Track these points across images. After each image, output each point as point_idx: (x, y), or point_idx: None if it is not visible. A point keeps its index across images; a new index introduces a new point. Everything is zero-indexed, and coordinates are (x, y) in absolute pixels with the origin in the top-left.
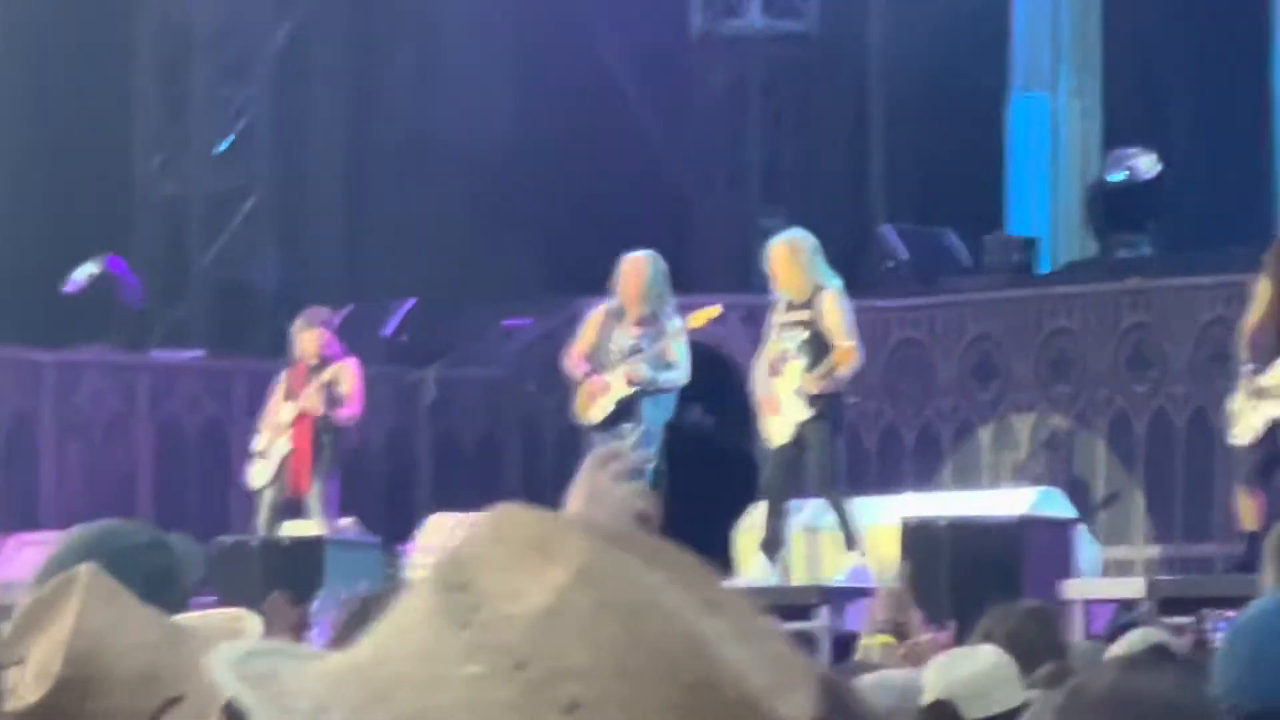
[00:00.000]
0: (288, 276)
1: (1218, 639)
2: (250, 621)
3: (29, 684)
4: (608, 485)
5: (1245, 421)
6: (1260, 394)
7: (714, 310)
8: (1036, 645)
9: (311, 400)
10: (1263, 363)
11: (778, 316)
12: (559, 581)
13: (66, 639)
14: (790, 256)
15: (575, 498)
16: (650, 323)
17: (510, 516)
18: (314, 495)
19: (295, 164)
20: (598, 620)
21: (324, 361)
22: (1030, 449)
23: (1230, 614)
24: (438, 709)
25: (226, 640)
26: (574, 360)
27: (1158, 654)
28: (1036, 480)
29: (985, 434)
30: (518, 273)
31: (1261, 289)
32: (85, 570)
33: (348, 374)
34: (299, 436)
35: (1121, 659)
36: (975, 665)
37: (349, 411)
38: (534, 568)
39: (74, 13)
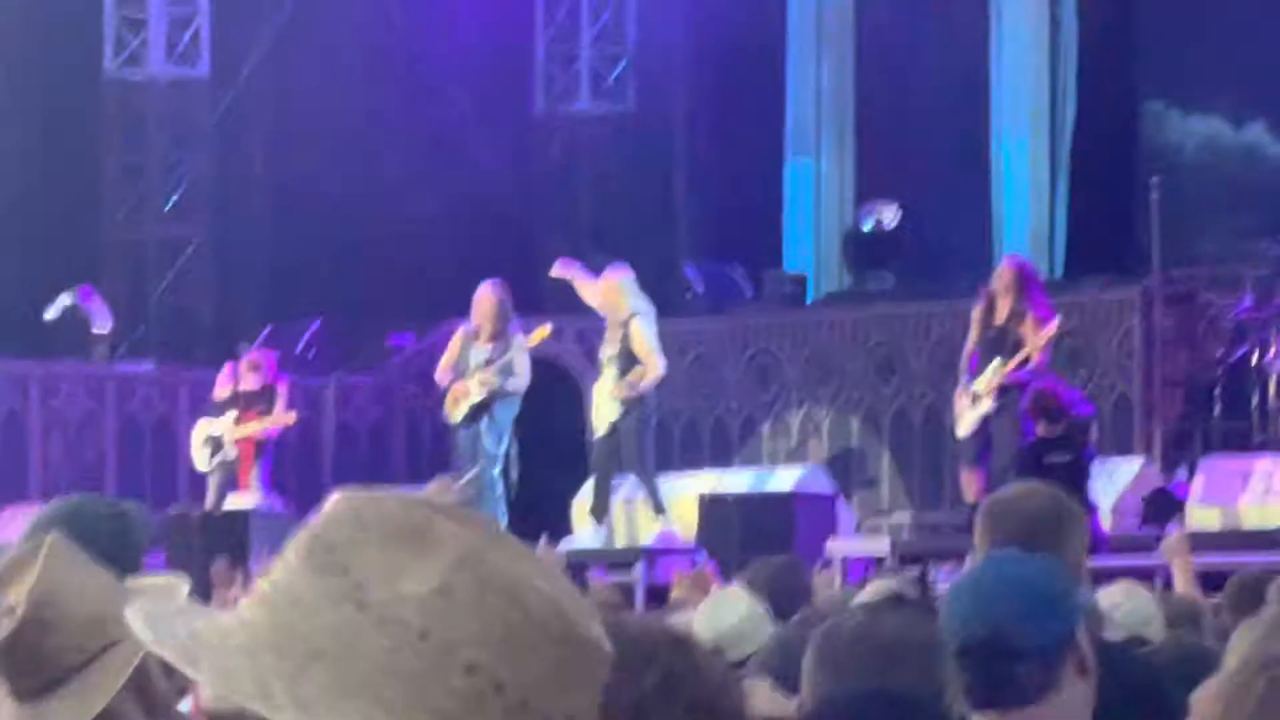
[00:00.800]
0: (222, 304)
1: (941, 585)
2: (182, 587)
3: (2, 624)
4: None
5: (965, 418)
6: (974, 398)
7: (545, 330)
8: (792, 591)
9: (253, 428)
10: (976, 375)
11: (607, 334)
12: (444, 565)
13: (30, 587)
14: (612, 287)
15: None
16: (499, 339)
17: (371, 505)
18: (253, 483)
19: (228, 215)
20: (483, 596)
21: (264, 390)
22: (800, 438)
23: (948, 566)
24: (362, 677)
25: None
26: (441, 373)
27: (895, 599)
28: (805, 462)
29: (765, 426)
30: (402, 298)
31: (975, 316)
32: (51, 536)
33: (281, 396)
34: (244, 448)
35: (864, 604)
36: (733, 613)
37: (281, 425)
38: (415, 552)
39: (51, 99)
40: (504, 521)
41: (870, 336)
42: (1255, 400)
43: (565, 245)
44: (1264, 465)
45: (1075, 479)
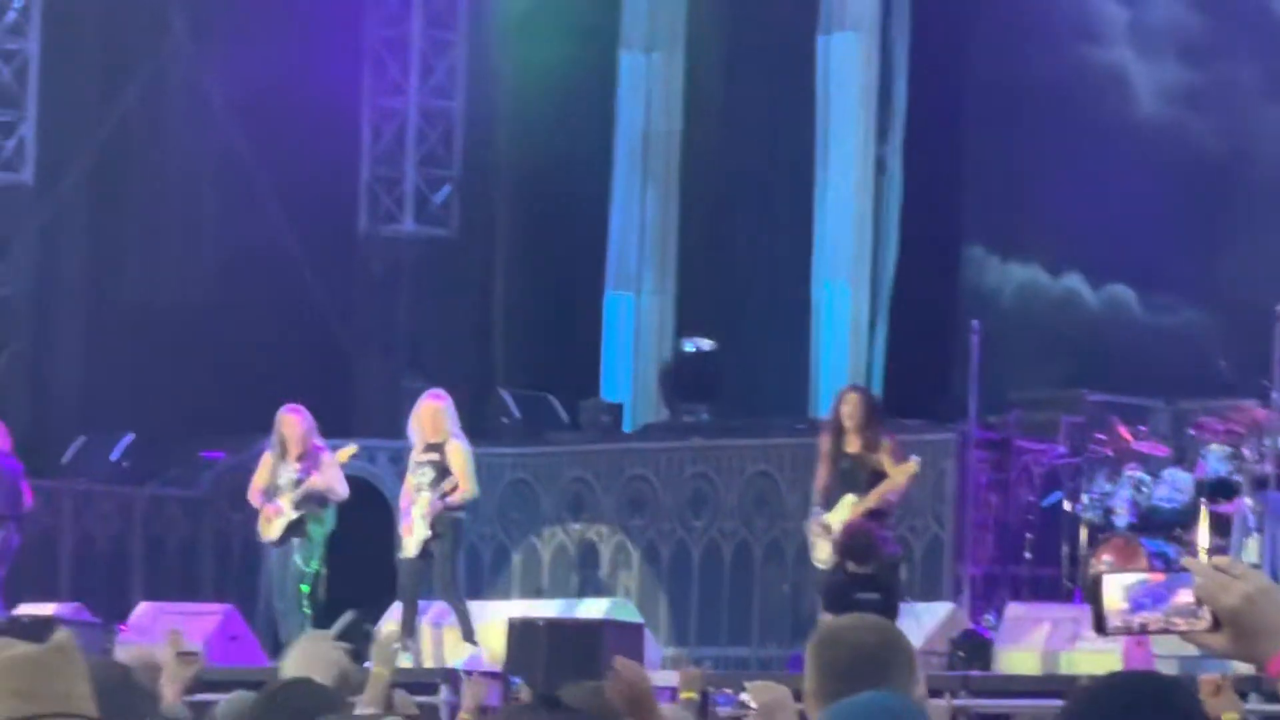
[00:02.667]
0: (34, 413)
1: (722, 709)
2: None
3: None
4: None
5: (820, 548)
6: (826, 529)
7: (352, 449)
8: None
9: None
10: (827, 506)
11: (415, 456)
12: None
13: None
14: (432, 410)
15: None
16: (306, 458)
17: None
18: None
19: (44, 324)
20: None
21: None
22: (610, 568)
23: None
24: None
25: None
26: (253, 494)
27: None
28: (613, 592)
29: (575, 554)
30: (217, 414)
31: (825, 447)
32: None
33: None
34: None
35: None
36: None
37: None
38: None
39: None
40: None
41: (685, 469)
42: (1065, 548)
43: (383, 366)
44: (1069, 612)
45: (885, 618)
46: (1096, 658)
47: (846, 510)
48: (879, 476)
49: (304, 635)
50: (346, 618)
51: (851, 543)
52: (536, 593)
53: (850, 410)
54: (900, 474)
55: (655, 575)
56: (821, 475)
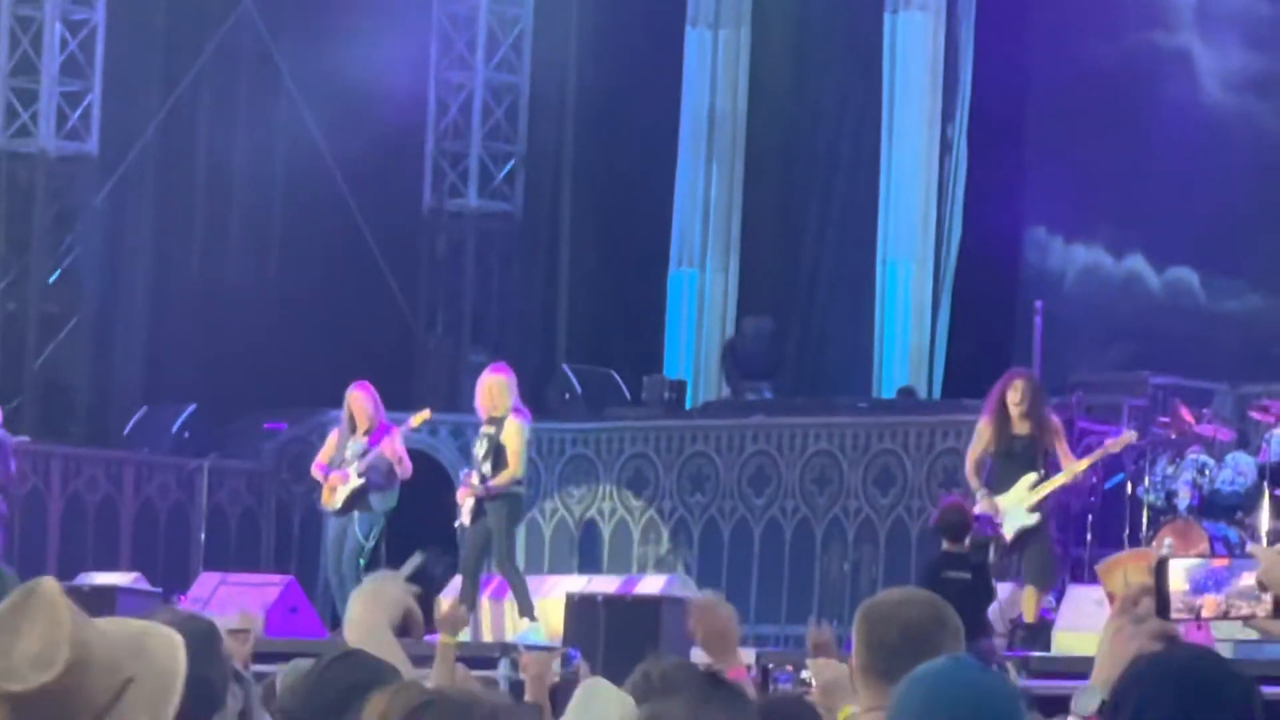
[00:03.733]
0: (98, 383)
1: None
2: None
3: (24, 672)
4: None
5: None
6: (995, 509)
7: (425, 414)
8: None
9: None
10: (991, 487)
11: (482, 429)
12: None
13: (69, 632)
14: (489, 384)
15: (360, 602)
16: (375, 434)
17: None
18: None
19: (109, 294)
20: None
21: None
22: (670, 544)
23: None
24: None
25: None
26: (316, 467)
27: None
28: (673, 568)
29: (636, 530)
30: (279, 386)
31: (989, 427)
32: (49, 584)
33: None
34: None
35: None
36: (610, 712)
37: None
38: None
39: None
40: None
41: (745, 446)
42: (1127, 530)
43: (446, 341)
44: None
45: (973, 596)
46: None
47: (1024, 490)
48: (1049, 458)
49: (372, 575)
50: (415, 560)
51: (947, 520)
52: (595, 568)
53: (1018, 397)
54: (1082, 464)
55: (715, 552)
56: (977, 452)
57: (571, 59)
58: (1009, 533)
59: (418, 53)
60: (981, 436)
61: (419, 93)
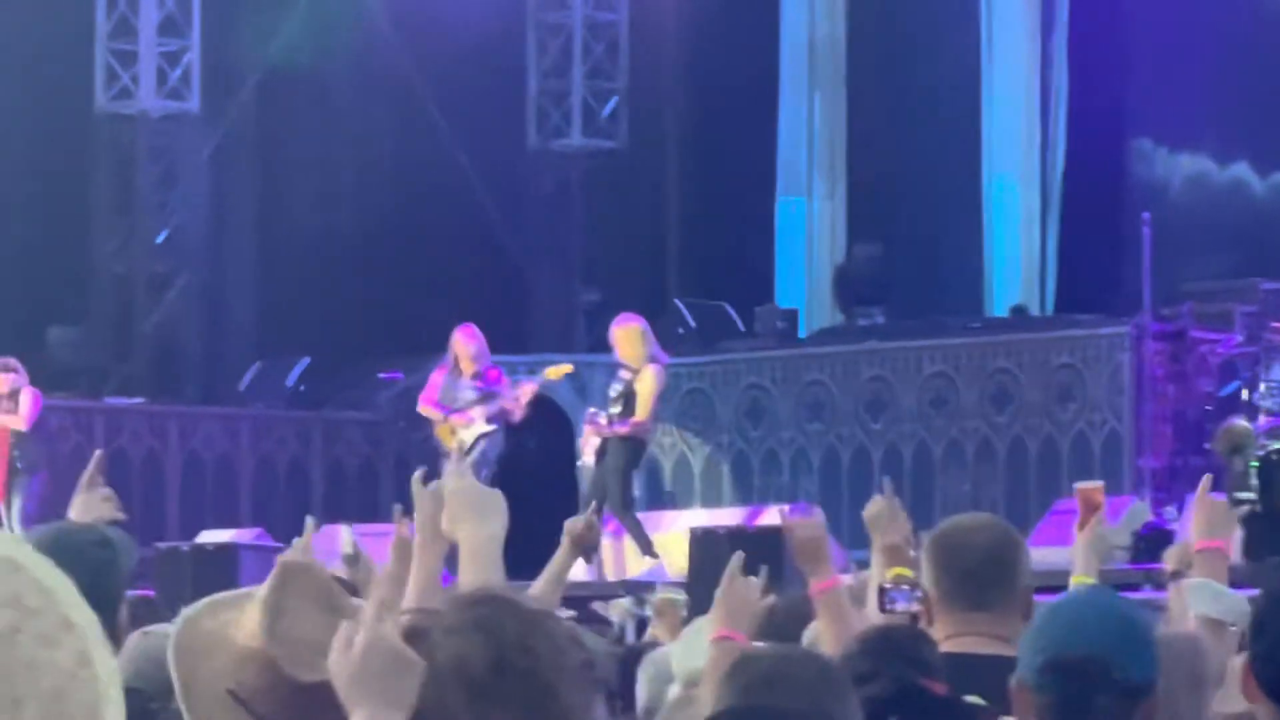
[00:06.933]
0: (210, 341)
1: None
2: None
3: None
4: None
5: None
6: None
7: (567, 367)
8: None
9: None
10: None
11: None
12: None
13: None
14: (618, 335)
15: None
16: (482, 378)
17: None
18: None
19: (217, 252)
20: None
21: (14, 394)
22: (791, 473)
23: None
24: None
25: None
26: (424, 405)
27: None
28: (794, 498)
29: (756, 461)
30: (392, 334)
31: None
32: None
33: (26, 398)
34: None
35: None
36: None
37: (23, 424)
38: None
39: (42, 132)
40: None
41: (860, 372)
42: None
43: (555, 281)
44: None
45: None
46: None
47: None
48: None
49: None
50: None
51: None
52: (717, 501)
53: None
54: None
55: (836, 479)
56: None
57: None
58: None
59: None
60: None
61: (518, 34)
